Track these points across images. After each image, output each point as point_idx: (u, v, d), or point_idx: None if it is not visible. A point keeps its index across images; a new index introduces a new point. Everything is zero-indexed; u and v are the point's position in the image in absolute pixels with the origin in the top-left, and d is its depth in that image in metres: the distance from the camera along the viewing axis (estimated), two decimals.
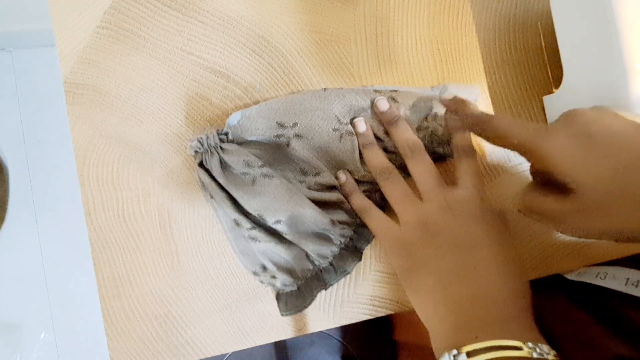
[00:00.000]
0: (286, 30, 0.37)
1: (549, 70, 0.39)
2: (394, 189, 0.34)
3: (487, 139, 0.33)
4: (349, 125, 0.36)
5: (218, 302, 0.37)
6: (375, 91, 0.36)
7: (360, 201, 0.36)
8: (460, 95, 0.36)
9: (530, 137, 0.30)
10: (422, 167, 0.34)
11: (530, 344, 0.27)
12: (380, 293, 0.38)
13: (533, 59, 0.40)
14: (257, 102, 0.37)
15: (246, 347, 0.37)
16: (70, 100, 0.36)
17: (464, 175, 0.34)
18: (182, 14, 0.37)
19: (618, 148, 0.27)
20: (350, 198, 0.36)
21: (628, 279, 0.34)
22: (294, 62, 0.37)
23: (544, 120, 0.39)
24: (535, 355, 0.27)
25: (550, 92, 0.39)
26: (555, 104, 0.37)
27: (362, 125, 0.36)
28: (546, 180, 0.31)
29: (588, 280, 0.37)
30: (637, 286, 0.33)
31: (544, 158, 0.29)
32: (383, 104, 0.36)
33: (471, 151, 0.35)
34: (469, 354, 0.27)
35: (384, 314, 0.38)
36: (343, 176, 0.36)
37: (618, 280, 0.35)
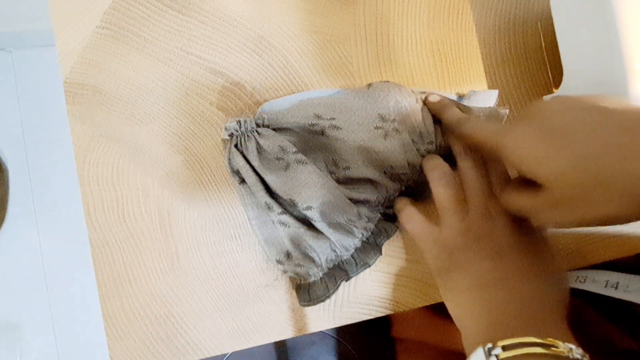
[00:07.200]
0: (286, 30, 0.37)
1: (549, 70, 0.40)
2: (446, 194, 0.34)
3: (463, 140, 0.33)
4: (395, 122, 0.35)
5: (218, 302, 0.37)
6: (413, 92, 0.36)
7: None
8: (475, 101, 0.36)
9: (493, 135, 0.30)
10: (473, 170, 0.34)
11: (567, 344, 0.27)
12: (380, 293, 0.38)
13: (533, 59, 0.40)
14: (257, 102, 0.37)
15: (246, 347, 0.37)
16: (70, 100, 0.36)
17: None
18: (182, 14, 0.37)
19: (577, 138, 0.26)
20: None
21: (607, 281, 0.35)
22: (294, 62, 0.37)
23: None
24: (571, 355, 0.26)
25: (550, 92, 0.39)
26: None
27: (434, 97, 0.36)
28: (519, 177, 0.31)
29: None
30: (616, 288, 0.34)
31: (506, 155, 0.29)
32: (434, 98, 0.36)
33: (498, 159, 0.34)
34: (504, 348, 0.27)
35: (383, 314, 0.38)
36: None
37: (598, 283, 0.35)
